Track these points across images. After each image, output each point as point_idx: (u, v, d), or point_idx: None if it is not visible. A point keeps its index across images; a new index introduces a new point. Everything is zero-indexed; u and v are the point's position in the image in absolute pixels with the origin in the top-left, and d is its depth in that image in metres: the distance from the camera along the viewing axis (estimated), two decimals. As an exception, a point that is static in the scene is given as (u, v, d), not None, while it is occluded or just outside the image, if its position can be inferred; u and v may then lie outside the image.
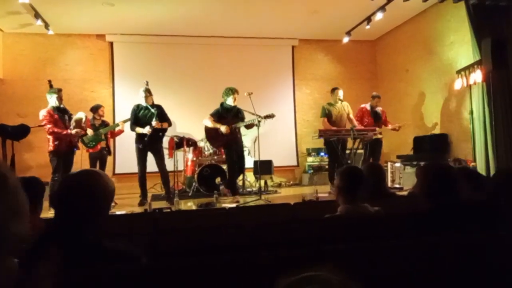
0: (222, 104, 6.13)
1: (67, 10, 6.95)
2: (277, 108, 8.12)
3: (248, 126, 6.03)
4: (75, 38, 8.21)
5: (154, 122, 5.65)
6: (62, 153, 5.44)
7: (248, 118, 6.03)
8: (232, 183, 6.15)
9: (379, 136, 6.72)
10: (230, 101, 6.04)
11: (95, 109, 6.53)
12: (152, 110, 5.76)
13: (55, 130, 5.37)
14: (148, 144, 5.70)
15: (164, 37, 8.38)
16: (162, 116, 5.88)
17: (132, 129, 5.83)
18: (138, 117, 5.83)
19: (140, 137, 5.75)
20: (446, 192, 1.99)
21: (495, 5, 5.46)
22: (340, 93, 6.59)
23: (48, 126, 5.37)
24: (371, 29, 7.98)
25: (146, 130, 5.63)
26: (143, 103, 5.83)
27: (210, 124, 6.04)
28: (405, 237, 1.63)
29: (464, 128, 6.61)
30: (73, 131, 5.47)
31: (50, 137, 5.43)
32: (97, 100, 7.85)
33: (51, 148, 5.43)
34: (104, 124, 6.67)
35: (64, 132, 5.42)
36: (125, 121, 6.27)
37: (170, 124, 6.03)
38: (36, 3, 6.52)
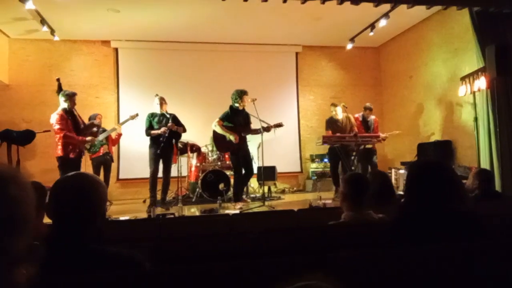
0: (231, 107, 5.97)
1: (72, 16, 7.01)
2: (281, 114, 8.16)
3: (254, 132, 5.95)
4: (81, 44, 8.27)
5: (169, 124, 5.81)
6: (72, 159, 5.02)
7: (254, 123, 5.96)
8: (237, 189, 6.08)
9: (369, 145, 6.85)
10: (237, 104, 5.92)
11: (92, 118, 6.65)
12: (168, 116, 5.95)
13: (68, 134, 4.97)
14: (163, 150, 5.81)
15: (169, 43, 8.43)
16: (176, 122, 6.03)
17: (147, 133, 5.95)
18: (153, 124, 5.96)
19: (155, 142, 5.86)
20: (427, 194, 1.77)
21: (499, 12, 5.45)
22: (338, 110, 6.69)
23: (57, 127, 4.97)
24: (375, 35, 7.99)
25: (162, 130, 5.79)
26: (158, 111, 5.98)
27: (219, 130, 5.94)
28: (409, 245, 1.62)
29: (468, 135, 6.58)
30: (88, 138, 5.22)
31: (60, 142, 4.99)
32: (102, 105, 7.92)
33: (59, 153, 4.99)
34: (103, 130, 6.76)
35: (79, 138, 5.08)
36: (122, 123, 6.38)
37: (185, 130, 6.13)
38: (42, 9, 6.58)
